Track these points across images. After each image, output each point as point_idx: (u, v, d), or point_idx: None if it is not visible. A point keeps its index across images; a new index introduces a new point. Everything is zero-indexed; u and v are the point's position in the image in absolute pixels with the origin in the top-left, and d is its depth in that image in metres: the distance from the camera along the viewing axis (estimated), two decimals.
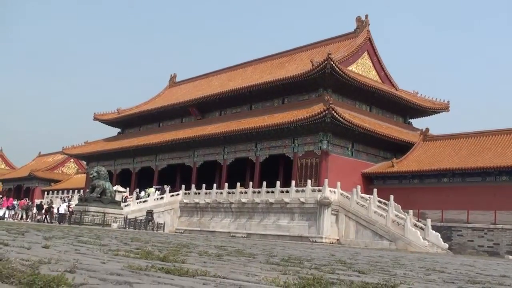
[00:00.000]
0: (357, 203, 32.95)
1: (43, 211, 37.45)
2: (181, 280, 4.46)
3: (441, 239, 30.47)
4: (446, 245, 30.40)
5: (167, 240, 15.03)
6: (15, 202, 40.99)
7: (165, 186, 46.16)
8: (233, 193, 39.53)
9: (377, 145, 41.77)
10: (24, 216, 38.15)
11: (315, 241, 31.28)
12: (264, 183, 37.91)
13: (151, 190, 45.48)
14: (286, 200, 35.17)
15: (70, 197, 54.01)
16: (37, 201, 46.18)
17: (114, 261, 5.81)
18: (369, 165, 41.18)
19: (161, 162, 52.18)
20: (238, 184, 40.01)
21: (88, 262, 5.39)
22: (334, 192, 33.99)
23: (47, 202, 46.82)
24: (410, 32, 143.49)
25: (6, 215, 37.56)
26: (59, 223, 32.51)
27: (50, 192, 66.29)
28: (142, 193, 45.06)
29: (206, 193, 41.83)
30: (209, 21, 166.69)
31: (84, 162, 71.50)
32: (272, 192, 36.65)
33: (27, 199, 51.42)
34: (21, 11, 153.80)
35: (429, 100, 49.08)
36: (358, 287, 5.08)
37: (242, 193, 38.91)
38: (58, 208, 37.77)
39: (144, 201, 41.71)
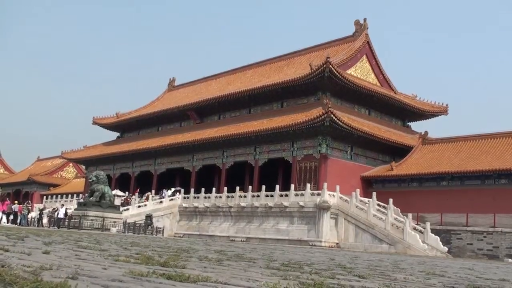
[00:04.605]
0: (356, 207, 32.96)
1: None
2: (182, 286, 4.47)
3: (441, 243, 30.47)
4: (446, 249, 30.42)
5: (166, 245, 15.01)
6: (14, 206, 40.77)
7: (164, 190, 46.17)
8: (232, 197, 39.52)
9: (376, 148, 41.80)
10: (23, 221, 37.98)
11: (315, 245, 31.26)
12: (263, 187, 37.92)
13: (170, 192, 45.59)
14: (285, 204, 35.15)
15: (68, 201, 53.82)
16: (59, 207, 43.47)
17: (115, 267, 5.81)
18: (368, 169, 41.19)
19: (160, 166, 52.19)
20: (238, 188, 40.01)
21: (90, 268, 5.39)
22: (333, 196, 34.00)
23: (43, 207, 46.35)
24: (408, 36, 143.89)
25: (4, 220, 37.45)
26: (58, 228, 32.43)
27: (49, 196, 66.18)
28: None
29: (205, 197, 41.81)
30: (208, 25, 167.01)
31: (83, 167, 71.43)
32: (271, 196, 36.64)
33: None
34: (20, 14, 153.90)
35: (427, 103, 49.15)
36: None
37: (241, 197, 38.89)
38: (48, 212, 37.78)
39: (144, 205, 41.76)
